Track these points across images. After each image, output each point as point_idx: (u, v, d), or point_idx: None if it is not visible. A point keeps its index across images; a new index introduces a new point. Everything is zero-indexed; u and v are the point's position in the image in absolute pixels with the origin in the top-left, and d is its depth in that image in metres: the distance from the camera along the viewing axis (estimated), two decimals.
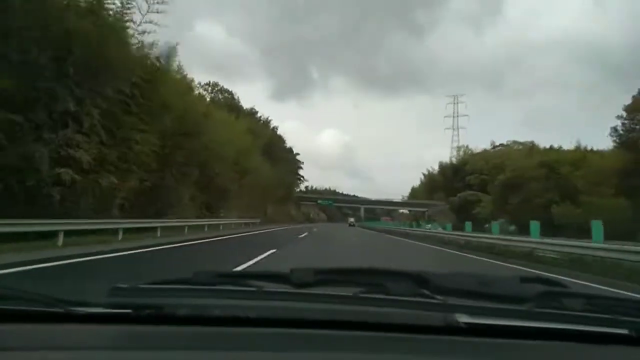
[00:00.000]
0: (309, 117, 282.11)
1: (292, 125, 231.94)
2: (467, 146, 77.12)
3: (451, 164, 75.45)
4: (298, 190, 78.35)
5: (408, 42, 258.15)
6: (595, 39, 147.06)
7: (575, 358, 0.90)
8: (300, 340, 0.89)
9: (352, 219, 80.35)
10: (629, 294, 6.50)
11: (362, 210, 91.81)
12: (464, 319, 0.90)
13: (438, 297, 0.97)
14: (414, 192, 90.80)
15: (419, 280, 1.03)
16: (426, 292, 0.98)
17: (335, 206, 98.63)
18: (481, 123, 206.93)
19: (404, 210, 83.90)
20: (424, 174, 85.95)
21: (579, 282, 7.81)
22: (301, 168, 76.70)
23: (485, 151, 70.46)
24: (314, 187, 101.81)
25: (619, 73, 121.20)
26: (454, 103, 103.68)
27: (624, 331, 0.91)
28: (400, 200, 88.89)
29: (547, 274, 7.90)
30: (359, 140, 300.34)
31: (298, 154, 75.33)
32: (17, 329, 0.92)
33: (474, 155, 70.12)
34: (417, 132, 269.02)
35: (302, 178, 79.32)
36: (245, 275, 1.30)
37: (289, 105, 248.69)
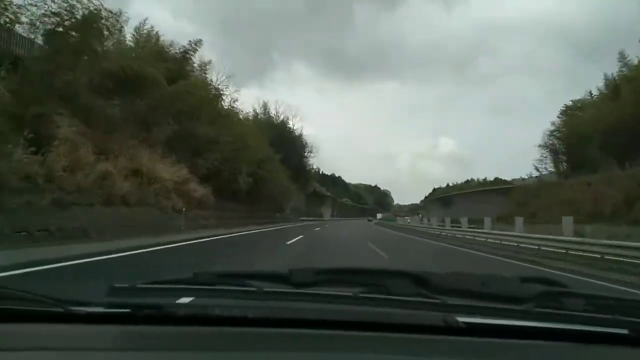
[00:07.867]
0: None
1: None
2: None
3: None
4: None
5: (376, 20, 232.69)
6: (566, 20, 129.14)
7: (575, 358, 0.90)
8: (300, 340, 0.89)
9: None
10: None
11: None
12: (463, 318, 0.90)
13: (438, 297, 0.97)
14: None
15: (419, 280, 1.03)
16: (426, 292, 0.99)
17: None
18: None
19: None
20: None
21: None
22: None
23: None
24: None
25: (591, 55, 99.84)
26: None
27: (624, 331, 0.91)
28: None
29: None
30: (324, 132, 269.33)
31: None
32: (17, 329, 0.93)
33: None
34: (386, 120, 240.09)
35: None
36: (244, 275, 1.28)
37: (248, 94, 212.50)
